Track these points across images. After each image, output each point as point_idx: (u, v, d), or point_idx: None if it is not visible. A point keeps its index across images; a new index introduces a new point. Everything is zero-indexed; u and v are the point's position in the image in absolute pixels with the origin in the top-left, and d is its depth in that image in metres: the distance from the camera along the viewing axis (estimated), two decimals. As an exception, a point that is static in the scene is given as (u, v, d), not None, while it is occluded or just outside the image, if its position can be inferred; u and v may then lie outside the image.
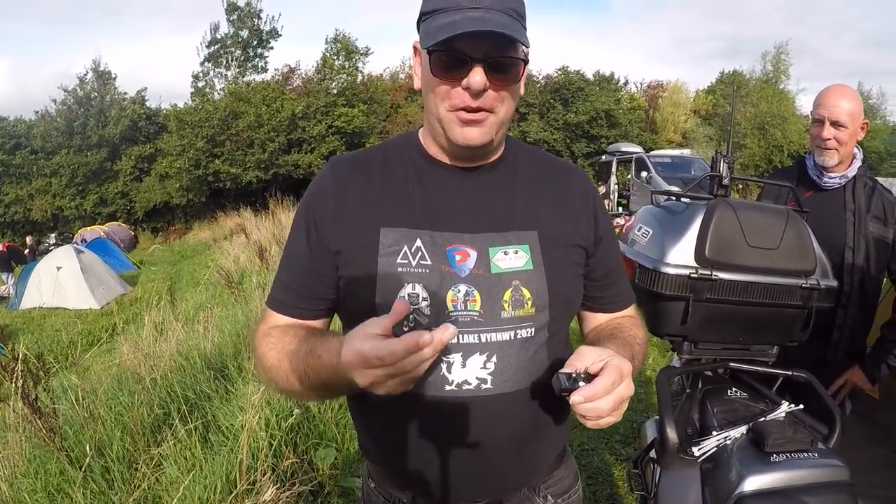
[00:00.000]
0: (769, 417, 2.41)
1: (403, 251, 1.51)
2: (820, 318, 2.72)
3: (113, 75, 34.75)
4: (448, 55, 1.42)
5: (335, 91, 31.58)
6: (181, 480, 3.88)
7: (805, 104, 33.80)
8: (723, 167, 2.74)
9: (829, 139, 3.11)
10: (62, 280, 17.07)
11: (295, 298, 1.66)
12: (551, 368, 1.56)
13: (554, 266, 1.58)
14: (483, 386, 1.48)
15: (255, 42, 32.38)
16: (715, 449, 2.31)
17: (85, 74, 34.47)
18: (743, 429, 2.35)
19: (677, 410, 2.59)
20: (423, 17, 1.50)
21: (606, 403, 1.31)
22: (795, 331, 2.69)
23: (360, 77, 32.86)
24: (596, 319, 1.85)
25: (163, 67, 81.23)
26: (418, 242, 1.52)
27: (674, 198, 2.84)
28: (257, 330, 1.70)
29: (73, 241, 24.73)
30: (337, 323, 1.75)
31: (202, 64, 32.18)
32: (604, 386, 1.30)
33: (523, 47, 1.45)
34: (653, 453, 2.63)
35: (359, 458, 4.60)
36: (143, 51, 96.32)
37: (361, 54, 32.39)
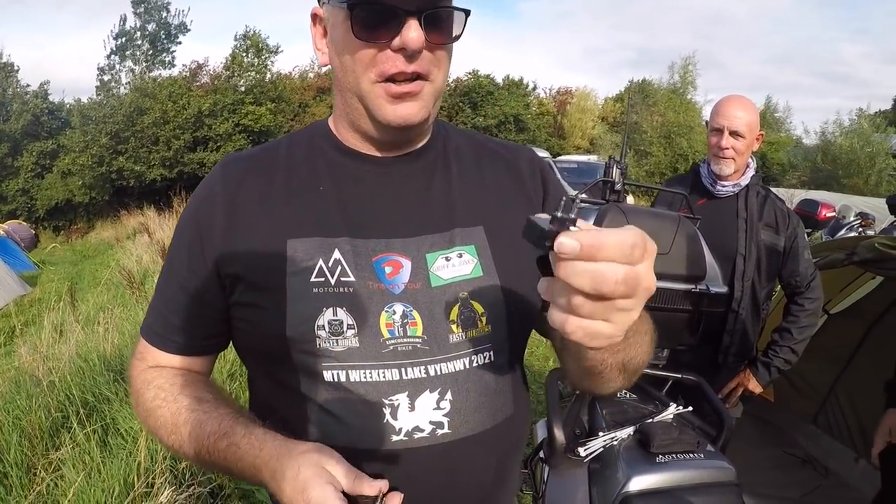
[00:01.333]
0: (657, 419, 2.45)
1: (318, 266, 1.22)
2: (711, 323, 2.78)
3: (16, 67, 33.44)
4: (373, 8, 1.13)
5: (243, 89, 30.94)
6: (79, 484, 3.81)
7: (711, 115, 34.49)
8: (615, 173, 2.78)
9: (728, 149, 3.19)
10: (-40, 280, 16.39)
11: (174, 332, 1.36)
12: (517, 401, 1.33)
13: (507, 267, 1.30)
14: (439, 431, 1.20)
15: (164, 36, 31.66)
16: (602, 449, 2.34)
17: (-15, 66, 33.13)
18: (630, 430, 2.39)
19: (566, 411, 2.61)
20: None
21: (615, 271, 0.77)
22: (686, 335, 2.74)
23: (268, 75, 32.38)
24: None
25: (68, 60, 78.38)
26: (336, 254, 1.23)
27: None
28: (133, 364, 1.42)
29: (-28, 240, 23.78)
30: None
31: (108, 57, 31.27)
32: (617, 240, 0.77)
33: None
34: (542, 453, 2.64)
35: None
36: (48, 42, 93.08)
37: (272, 52, 31.91)
